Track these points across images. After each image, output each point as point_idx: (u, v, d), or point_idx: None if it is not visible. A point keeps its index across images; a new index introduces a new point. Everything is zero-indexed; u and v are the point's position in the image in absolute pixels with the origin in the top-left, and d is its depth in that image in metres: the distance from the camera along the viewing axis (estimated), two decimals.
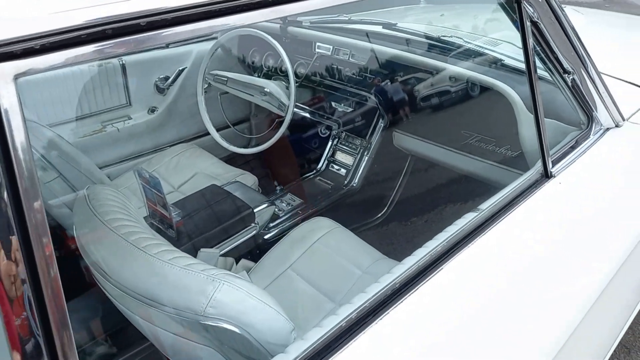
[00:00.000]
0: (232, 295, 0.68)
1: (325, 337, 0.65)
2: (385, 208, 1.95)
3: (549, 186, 1.03)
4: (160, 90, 2.14)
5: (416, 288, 0.75)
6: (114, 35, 0.43)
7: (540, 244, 0.91)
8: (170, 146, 2.11)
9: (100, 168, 1.74)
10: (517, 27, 0.91)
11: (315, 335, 0.65)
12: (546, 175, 1.05)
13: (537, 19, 0.91)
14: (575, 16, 2.51)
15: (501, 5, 0.91)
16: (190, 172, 1.91)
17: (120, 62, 1.97)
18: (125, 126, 2.05)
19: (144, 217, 1.34)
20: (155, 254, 0.72)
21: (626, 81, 1.62)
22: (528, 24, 0.90)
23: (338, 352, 0.64)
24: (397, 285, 0.74)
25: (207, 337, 0.71)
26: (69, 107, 1.89)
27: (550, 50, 1.00)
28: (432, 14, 2.57)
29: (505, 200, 0.97)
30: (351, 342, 0.65)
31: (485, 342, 0.72)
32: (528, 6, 0.88)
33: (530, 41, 0.92)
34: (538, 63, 1.13)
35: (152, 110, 2.14)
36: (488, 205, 0.95)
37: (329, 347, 0.64)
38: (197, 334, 0.71)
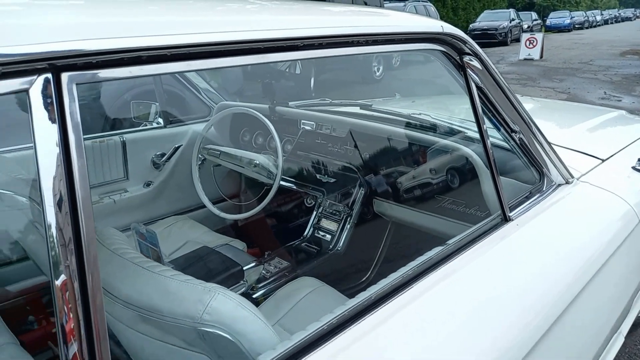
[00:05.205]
0: (226, 304, 0.77)
1: (309, 336, 0.73)
2: (370, 271, 2.03)
3: (507, 227, 1.16)
4: (157, 166, 2.30)
5: (394, 298, 0.85)
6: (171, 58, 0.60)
7: (498, 274, 1.02)
8: (162, 218, 2.21)
9: None
10: (466, 93, 1.10)
11: (299, 336, 0.73)
12: (505, 219, 1.19)
13: (482, 84, 1.11)
14: (531, 102, 2.89)
15: (450, 74, 1.11)
16: (181, 241, 1.99)
17: (122, 139, 2.15)
18: (121, 198, 2.17)
19: None
20: (158, 272, 0.81)
21: (576, 150, 1.83)
22: (474, 89, 1.10)
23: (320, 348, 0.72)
24: (372, 298, 0.83)
25: (202, 346, 0.78)
26: None
27: (496, 111, 1.19)
28: (405, 102, 2.89)
29: (470, 237, 1.10)
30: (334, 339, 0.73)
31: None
32: (472, 74, 1.09)
33: (478, 102, 1.10)
34: (490, 126, 1.33)
35: (147, 184, 2.28)
36: (454, 240, 1.07)
37: (313, 345, 0.72)
38: (193, 343, 0.78)
